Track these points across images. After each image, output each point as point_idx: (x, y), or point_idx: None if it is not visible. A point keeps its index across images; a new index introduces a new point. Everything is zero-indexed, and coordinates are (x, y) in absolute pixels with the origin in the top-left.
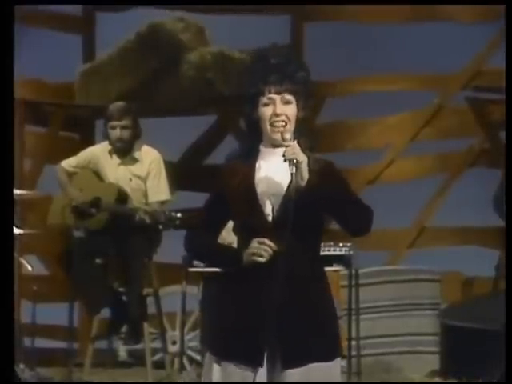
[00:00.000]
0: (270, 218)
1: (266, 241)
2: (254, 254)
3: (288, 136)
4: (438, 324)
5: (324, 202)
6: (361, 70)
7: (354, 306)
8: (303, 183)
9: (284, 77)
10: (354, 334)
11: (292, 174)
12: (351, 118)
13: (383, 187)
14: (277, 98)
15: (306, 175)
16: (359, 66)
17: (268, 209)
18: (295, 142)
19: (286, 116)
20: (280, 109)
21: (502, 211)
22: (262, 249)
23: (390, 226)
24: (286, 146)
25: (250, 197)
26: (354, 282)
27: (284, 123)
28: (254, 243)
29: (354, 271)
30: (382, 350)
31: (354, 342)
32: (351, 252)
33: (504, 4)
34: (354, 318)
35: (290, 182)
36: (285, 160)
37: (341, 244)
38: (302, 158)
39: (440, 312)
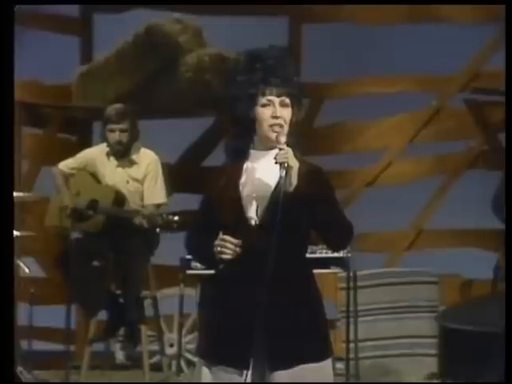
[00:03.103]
0: (253, 221)
1: (227, 237)
2: (217, 252)
3: (283, 139)
4: (436, 326)
5: (308, 216)
6: (359, 71)
7: (352, 309)
8: (291, 189)
9: (284, 80)
10: (352, 337)
11: (281, 177)
12: (349, 119)
13: (381, 189)
14: (276, 100)
15: (294, 181)
16: (357, 68)
17: (252, 212)
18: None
19: (284, 119)
20: (279, 111)
21: (501, 213)
22: (223, 245)
23: (388, 228)
24: (280, 149)
25: (233, 198)
26: (352, 285)
27: (281, 126)
28: (217, 240)
29: (352, 273)
30: (380, 352)
31: (352, 345)
32: (349, 254)
33: (504, 4)
34: (352, 320)
35: (278, 185)
36: (276, 162)
37: None
38: (294, 163)
39: (438, 314)
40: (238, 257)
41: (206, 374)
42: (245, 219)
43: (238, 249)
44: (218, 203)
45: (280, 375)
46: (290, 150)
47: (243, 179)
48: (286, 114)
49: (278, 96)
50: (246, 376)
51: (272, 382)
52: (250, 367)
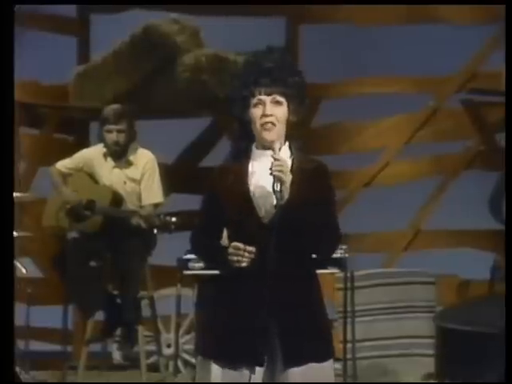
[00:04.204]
0: (264, 220)
1: (241, 246)
2: (233, 261)
3: (277, 145)
4: (434, 327)
5: (305, 222)
6: (356, 72)
7: (349, 309)
8: (281, 202)
9: (275, 79)
10: (349, 337)
11: (276, 191)
12: (347, 120)
13: (379, 189)
14: (267, 99)
15: (286, 195)
16: (355, 68)
17: (262, 211)
18: (282, 150)
19: (276, 117)
20: (269, 109)
21: (498, 213)
22: (239, 254)
23: (385, 228)
24: (275, 159)
25: (243, 198)
26: (349, 285)
27: (273, 124)
28: (230, 249)
29: (349, 274)
30: (378, 352)
31: (349, 345)
32: (346, 254)
33: (504, 4)
34: (349, 320)
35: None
36: (270, 174)
37: None
38: (287, 178)
39: (435, 314)
40: (253, 262)
41: (216, 371)
42: (257, 218)
43: (253, 255)
44: (226, 201)
45: (291, 373)
46: (285, 163)
47: (251, 179)
48: (279, 112)
49: (269, 95)
50: (252, 373)
51: (275, 382)
52: (264, 365)
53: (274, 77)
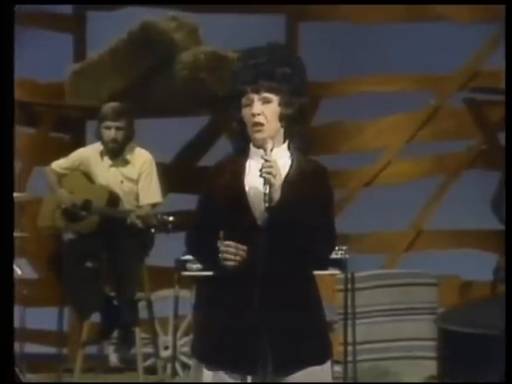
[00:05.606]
0: (258, 222)
1: (233, 244)
2: (224, 259)
3: (269, 146)
4: (436, 328)
5: (299, 223)
6: (357, 70)
7: (349, 311)
8: (272, 204)
9: (261, 74)
10: (350, 339)
11: (264, 193)
12: (347, 119)
13: (380, 189)
14: (255, 96)
15: (277, 196)
16: (355, 67)
17: (257, 212)
18: (277, 150)
19: (264, 116)
20: (257, 108)
21: (500, 213)
22: (230, 252)
23: (386, 228)
24: (265, 160)
25: (239, 197)
26: (350, 286)
27: (261, 124)
28: (222, 247)
29: (350, 275)
30: (379, 355)
31: (350, 347)
32: (347, 255)
33: (504, 4)
34: (349, 322)
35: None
36: (260, 175)
37: (336, 247)
38: (275, 180)
39: (437, 316)
40: (244, 262)
41: (207, 375)
42: (251, 218)
43: (244, 254)
44: (221, 199)
45: (285, 379)
46: (275, 164)
47: (248, 178)
48: (267, 110)
49: (257, 92)
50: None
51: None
52: (256, 371)
53: (260, 72)
